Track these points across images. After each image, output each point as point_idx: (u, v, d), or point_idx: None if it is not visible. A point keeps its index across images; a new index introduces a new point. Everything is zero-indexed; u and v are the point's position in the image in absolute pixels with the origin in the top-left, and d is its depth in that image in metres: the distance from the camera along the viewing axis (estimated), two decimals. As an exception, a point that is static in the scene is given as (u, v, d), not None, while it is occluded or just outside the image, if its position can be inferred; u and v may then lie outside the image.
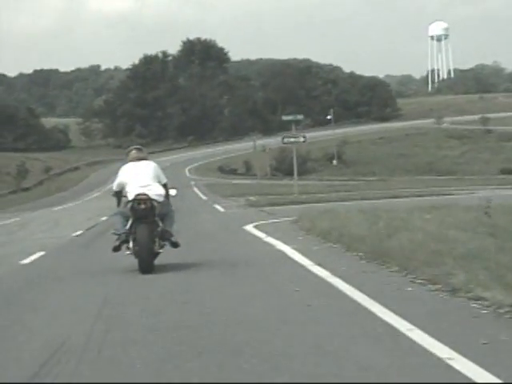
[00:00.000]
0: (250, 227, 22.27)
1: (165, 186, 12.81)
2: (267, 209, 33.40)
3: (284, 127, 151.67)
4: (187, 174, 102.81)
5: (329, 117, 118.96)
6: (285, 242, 16.18)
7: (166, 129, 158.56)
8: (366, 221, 19.21)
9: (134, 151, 13.16)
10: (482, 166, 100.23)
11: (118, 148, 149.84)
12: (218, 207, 38.15)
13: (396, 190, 51.06)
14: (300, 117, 47.02)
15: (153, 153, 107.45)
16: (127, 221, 12.36)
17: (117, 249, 12.58)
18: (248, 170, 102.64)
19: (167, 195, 12.81)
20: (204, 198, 52.15)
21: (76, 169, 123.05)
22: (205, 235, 20.76)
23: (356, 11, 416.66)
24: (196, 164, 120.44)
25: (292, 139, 45.15)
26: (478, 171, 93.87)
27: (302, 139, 44.28)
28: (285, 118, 47.14)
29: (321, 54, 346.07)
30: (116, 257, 13.09)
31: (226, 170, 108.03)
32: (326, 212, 23.54)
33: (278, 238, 17.32)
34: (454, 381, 5.36)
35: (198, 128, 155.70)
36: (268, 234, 19.02)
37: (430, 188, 53.71)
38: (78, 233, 24.17)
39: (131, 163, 12.90)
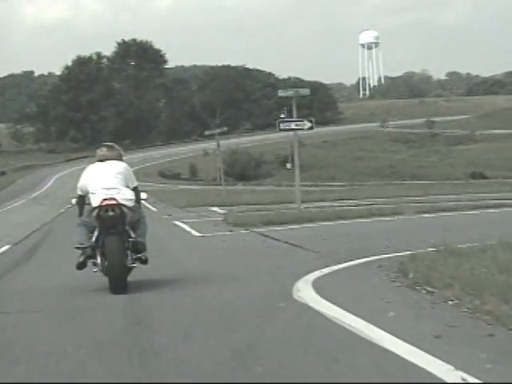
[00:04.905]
0: (309, 293, 8.69)
1: (135, 189, 10.13)
2: (271, 232, 19.40)
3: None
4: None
5: (282, 116, 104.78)
6: None
7: (101, 132, 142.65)
8: None
9: (102, 149, 10.32)
10: (447, 170, 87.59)
11: (50, 153, 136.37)
12: (185, 227, 23.89)
13: (403, 197, 37.71)
14: (304, 91, 29.27)
15: (86, 157, 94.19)
16: (92, 232, 9.53)
17: (81, 266, 9.63)
18: (194, 175, 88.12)
19: (138, 200, 10.11)
20: (153, 209, 37.57)
21: (2, 174, 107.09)
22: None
23: (286, 20, 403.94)
24: (133, 169, 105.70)
25: (293, 125, 28.27)
26: (448, 176, 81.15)
27: (307, 125, 27.46)
28: (281, 93, 28.90)
29: (253, 62, 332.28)
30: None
31: (167, 174, 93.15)
32: (448, 253, 10.33)
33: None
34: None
35: (134, 132, 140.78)
36: (433, 352, 5.44)
37: (448, 196, 40.24)
38: None
39: (97, 163, 10.17)
